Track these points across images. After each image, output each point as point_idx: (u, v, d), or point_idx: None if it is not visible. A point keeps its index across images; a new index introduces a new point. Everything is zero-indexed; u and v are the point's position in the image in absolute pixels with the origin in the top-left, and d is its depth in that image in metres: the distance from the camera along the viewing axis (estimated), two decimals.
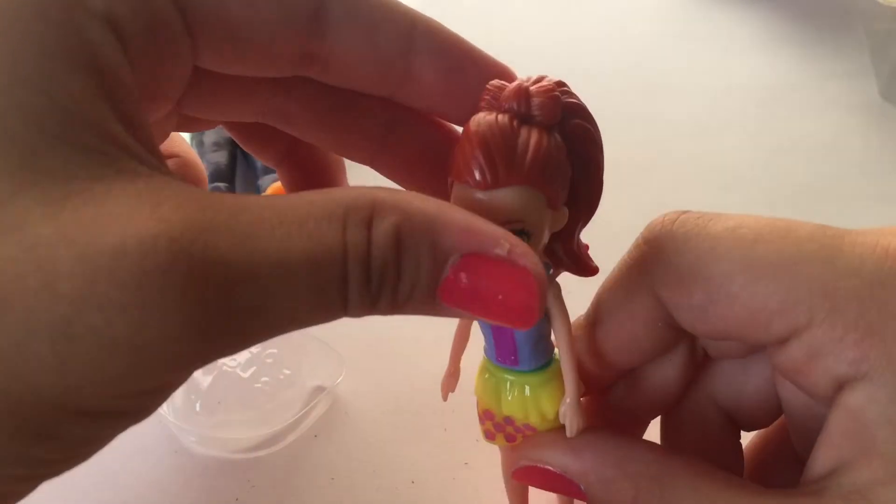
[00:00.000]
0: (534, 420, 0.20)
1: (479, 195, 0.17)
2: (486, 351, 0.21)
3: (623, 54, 0.52)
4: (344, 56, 0.19)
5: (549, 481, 0.21)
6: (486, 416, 0.21)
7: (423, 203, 0.16)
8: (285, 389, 0.30)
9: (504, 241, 0.16)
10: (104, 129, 0.15)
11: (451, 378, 0.22)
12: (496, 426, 0.21)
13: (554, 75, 0.20)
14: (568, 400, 0.20)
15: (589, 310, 0.22)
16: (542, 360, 0.20)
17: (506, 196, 0.17)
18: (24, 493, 0.15)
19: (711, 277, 0.19)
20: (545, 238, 0.18)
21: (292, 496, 0.27)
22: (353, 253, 0.15)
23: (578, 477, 0.20)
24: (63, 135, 0.14)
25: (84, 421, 0.14)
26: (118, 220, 0.13)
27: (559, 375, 0.20)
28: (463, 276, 0.16)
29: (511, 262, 0.16)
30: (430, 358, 0.32)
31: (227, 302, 0.14)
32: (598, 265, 0.21)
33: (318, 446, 0.29)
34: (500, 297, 0.16)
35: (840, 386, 0.18)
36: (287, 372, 0.31)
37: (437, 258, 0.16)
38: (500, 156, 0.17)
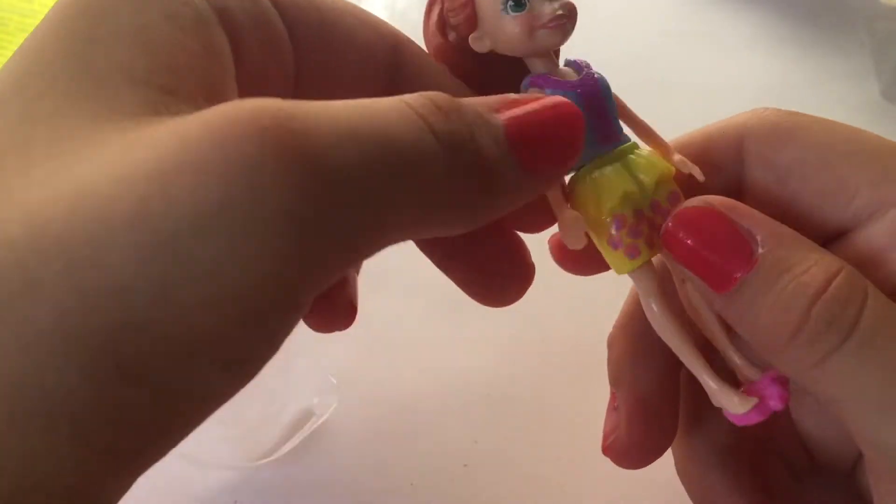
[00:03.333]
0: (663, 191, 0.20)
1: None
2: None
3: (622, 54, 0.51)
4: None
5: (714, 235, 0.19)
6: (621, 221, 0.20)
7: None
8: (273, 415, 0.30)
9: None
10: (200, 83, 0.16)
11: (577, 220, 0.20)
12: (634, 228, 0.20)
13: None
14: (675, 157, 0.20)
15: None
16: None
17: None
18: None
19: (809, 139, 0.20)
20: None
21: (292, 498, 0.27)
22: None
23: (759, 228, 0.19)
24: (150, 79, 0.15)
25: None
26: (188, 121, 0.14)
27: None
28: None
29: (553, 103, 0.17)
30: (429, 358, 0.32)
31: (333, 188, 0.13)
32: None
33: (317, 448, 0.29)
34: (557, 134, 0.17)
35: None
36: (275, 391, 0.30)
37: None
38: None
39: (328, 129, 0.14)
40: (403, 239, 0.16)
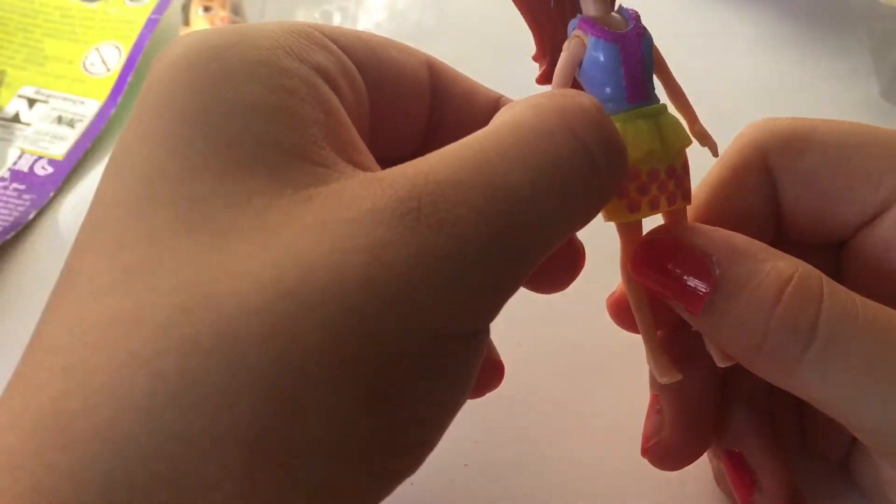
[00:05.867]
0: (681, 159, 0.20)
1: None
2: (605, 104, 0.20)
3: None
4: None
5: (677, 261, 0.20)
6: (634, 175, 0.20)
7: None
8: None
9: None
10: (331, 148, 0.17)
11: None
12: (644, 186, 0.20)
13: None
14: (696, 127, 0.21)
15: (696, 190, 0.23)
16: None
17: None
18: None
19: (825, 141, 0.21)
20: None
21: None
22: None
23: (714, 246, 0.20)
24: (299, 152, 0.16)
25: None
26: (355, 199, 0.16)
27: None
28: None
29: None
30: None
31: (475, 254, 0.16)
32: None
33: None
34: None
35: None
36: None
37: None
38: None
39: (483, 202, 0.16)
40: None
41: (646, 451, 0.24)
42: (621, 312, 0.23)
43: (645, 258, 0.20)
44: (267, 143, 0.16)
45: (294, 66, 0.17)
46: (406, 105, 0.22)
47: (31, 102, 0.43)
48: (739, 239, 0.20)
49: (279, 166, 0.16)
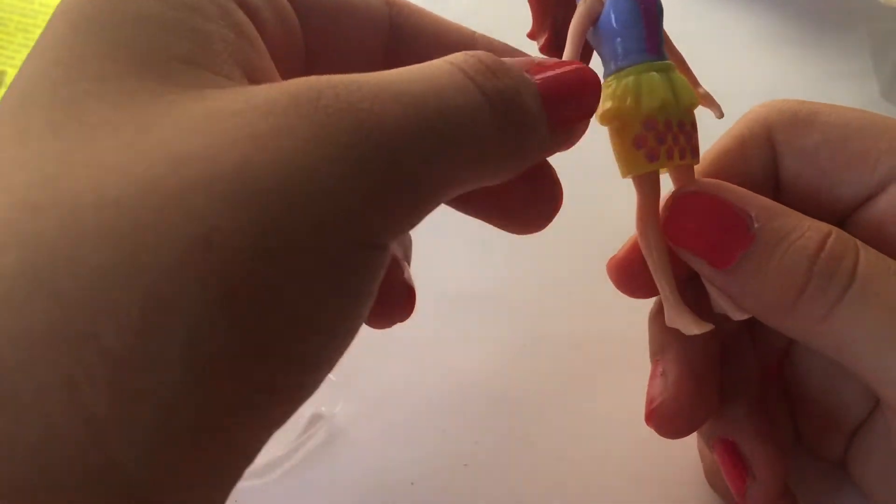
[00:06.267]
0: (690, 116, 0.21)
1: None
2: (624, 57, 0.21)
3: None
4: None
5: (712, 216, 0.20)
6: (652, 123, 0.21)
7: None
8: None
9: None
10: (242, 67, 0.16)
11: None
12: (661, 135, 0.21)
13: None
14: (700, 90, 0.22)
15: (701, 158, 0.23)
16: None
17: None
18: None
19: (828, 121, 0.22)
20: None
21: (292, 497, 0.27)
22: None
23: (750, 204, 0.20)
24: (196, 61, 0.16)
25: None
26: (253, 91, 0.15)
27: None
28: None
29: (576, 67, 0.19)
30: (430, 358, 0.32)
31: (391, 145, 0.15)
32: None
33: (317, 448, 0.29)
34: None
35: None
36: None
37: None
38: None
39: (390, 101, 0.15)
40: (459, 192, 0.17)
41: (650, 415, 0.24)
42: (625, 275, 0.23)
43: (681, 212, 0.21)
44: (158, 48, 0.15)
45: None
46: (353, 41, 0.21)
47: None
48: (773, 202, 0.21)
49: (172, 72, 0.15)
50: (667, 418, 0.24)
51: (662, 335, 0.24)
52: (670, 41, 0.22)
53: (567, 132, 0.19)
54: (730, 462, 0.24)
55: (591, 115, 0.20)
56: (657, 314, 0.25)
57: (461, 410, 0.29)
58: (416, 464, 0.28)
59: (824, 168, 0.22)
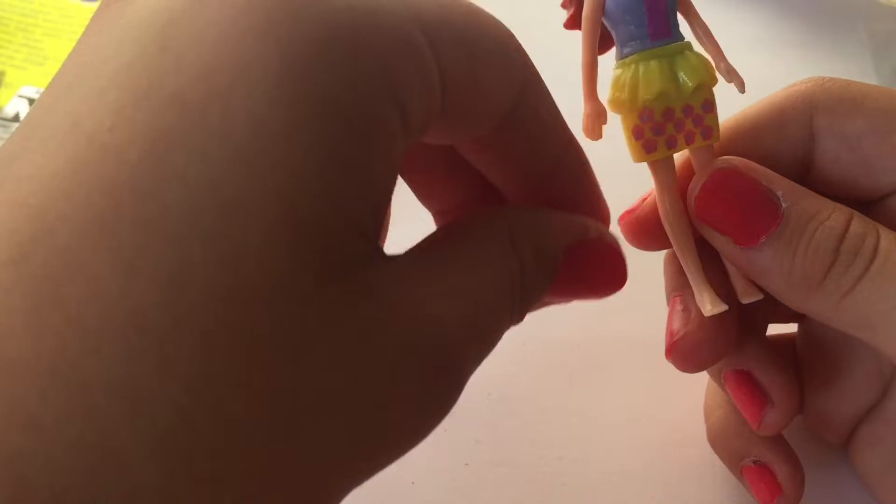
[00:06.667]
0: (699, 97, 0.21)
1: None
2: (628, 43, 0.21)
3: None
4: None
5: (743, 195, 0.21)
6: (648, 115, 0.21)
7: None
8: None
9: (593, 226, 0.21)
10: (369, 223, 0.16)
11: (600, 115, 0.21)
12: (659, 126, 0.21)
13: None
14: (722, 64, 0.21)
15: (729, 121, 0.23)
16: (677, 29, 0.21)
17: None
18: None
19: (876, 107, 0.22)
20: None
21: None
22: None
23: (778, 185, 0.21)
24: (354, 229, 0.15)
25: None
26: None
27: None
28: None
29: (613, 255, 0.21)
30: None
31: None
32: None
33: None
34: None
35: None
36: None
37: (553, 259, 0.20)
38: None
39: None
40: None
41: (672, 347, 0.23)
42: (640, 232, 0.23)
43: (712, 191, 0.21)
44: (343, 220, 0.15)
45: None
46: (476, 118, 0.19)
47: (32, 102, 0.43)
48: (797, 184, 0.21)
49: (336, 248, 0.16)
50: (690, 350, 0.23)
51: (681, 275, 0.24)
52: (696, 14, 0.21)
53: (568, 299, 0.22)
54: (747, 391, 0.24)
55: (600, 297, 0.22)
56: (673, 256, 0.24)
57: (461, 410, 0.29)
58: (416, 463, 0.28)
59: (866, 155, 0.22)
